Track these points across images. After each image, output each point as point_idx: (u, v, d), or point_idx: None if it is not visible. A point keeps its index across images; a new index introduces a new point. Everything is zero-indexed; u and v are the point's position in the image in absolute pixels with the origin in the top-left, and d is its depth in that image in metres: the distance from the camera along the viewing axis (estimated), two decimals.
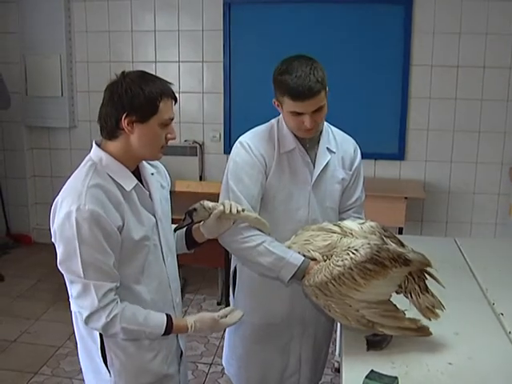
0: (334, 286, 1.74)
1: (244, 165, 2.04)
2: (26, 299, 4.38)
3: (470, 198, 4.85)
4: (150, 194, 1.81)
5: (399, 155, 4.85)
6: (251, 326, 2.25)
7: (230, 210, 1.88)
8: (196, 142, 5.06)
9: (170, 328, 1.75)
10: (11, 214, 5.53)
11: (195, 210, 1.90)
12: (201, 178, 5.09)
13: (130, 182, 1.72)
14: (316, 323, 2.29)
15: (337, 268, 1.74)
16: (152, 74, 1.73)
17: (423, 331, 1.84)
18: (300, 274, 1.88)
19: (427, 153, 4.83)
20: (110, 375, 1.80)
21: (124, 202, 1.69)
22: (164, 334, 1.75)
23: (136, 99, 1.63)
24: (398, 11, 4.60)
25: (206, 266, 4.73)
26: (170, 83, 1.73)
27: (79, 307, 1.68)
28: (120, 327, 1.67)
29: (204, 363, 3.54)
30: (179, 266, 2.00)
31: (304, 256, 1.89)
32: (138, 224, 1.72)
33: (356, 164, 2.23)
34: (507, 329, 1.96)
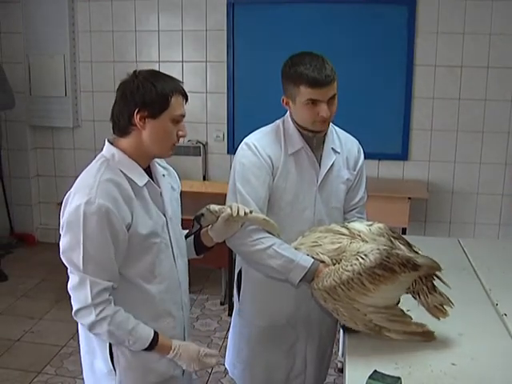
0: (342, 290, 1.75)
1: (251, 166, 2.04)
2: (30, 299, 4.39)
3: (473, 199, 4.85)
4: (160, 193, 1.81)
5: (402, 155, 4.84)
6: (257, 328, 2.24)
7: (238, 213, 1.87)
8: (199, 142, 5.06)
9: (154, 344, 1.74)
10: (15, 213, 5.54)
11: (202, 215, 1.89)
12: (204, 178, 5.08)
13: (142, 178, 1.73)
14: (321, 323, 2.29)
15: (346, 273, 1.74)
16: (163, 73, 1.77)
17: (428, 336, 1.85)
18: (310, 276, 1.87)
19: (431, 153, 4.82)
20: (116, 374, 1.79)
21: (135, 197, 1.70)
22: (146, 349, 1.74)
23: (148, 95, 1.66)
24: (401, 11, 4.60)
25: (210, 266, 4.73)
26: (181, 82, 1.76)
27: (72, 299, 1.69)
28: (107, 329, 1.67)
29: None
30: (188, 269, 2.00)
31: (313, 258, 1.89)
32: (146, 219, 1.73)
33: (360, 164, 2.24)
34: (510, 329, 1.96)
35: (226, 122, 5.03)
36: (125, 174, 1.70)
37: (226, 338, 3.39)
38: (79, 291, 1.66)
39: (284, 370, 2.29)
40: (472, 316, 2.06)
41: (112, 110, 1.73)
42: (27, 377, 3.34)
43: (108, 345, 1.77)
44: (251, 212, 1.91)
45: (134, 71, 1.73)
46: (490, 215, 4.85)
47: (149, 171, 1.81)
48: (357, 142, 2.28)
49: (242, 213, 1.87)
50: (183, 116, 1.74)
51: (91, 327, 1.68)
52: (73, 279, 1.67)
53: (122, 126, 1.71)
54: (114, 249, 1.65)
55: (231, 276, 3.85)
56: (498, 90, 4.60)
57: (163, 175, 1.88)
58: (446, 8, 4.54)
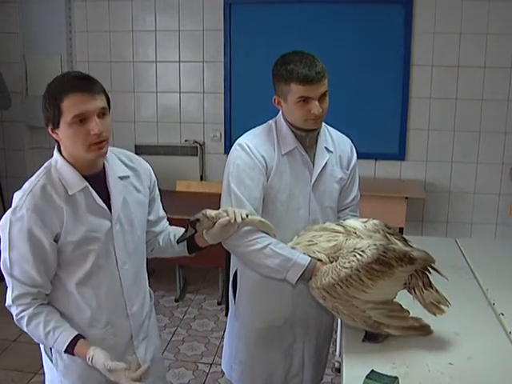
0: (341, 287, 1.75)
1: (245, 167, 2.03)
2: None
3: (470, 198, 4.85)
4: (109, 198, 1.77)
5: (400, 155, 4.85)
6: (254, 329, 2.24)
7: (235, 219, 1.85)
8: (196, 142, 5.05)
9: (71, 350, 1.71)
10: None
11: (198, 220, 1.86)
12: (201, 178, 5.09)
13: (75, 186, 1.70)
14: (318, 323, 2.29)
15: (344, 270, 1.75)
16: (70, 73, 1.69)
17: (425, 329, 1.86)
18: (307, 274, 1.87)
19: (428, 153, 4.82)
20: (57, 371, 1.84)
21: (66, 206, 1.68)
22: (66, 352, 1.72)
23: (45, 108, 1.65)
24: (398, 11, 4.60)
25: (207, 265, 4.73)
26: (92, 78, 1.67)
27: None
28: (26, 330, 1.72)
29: (204, 363, 3.54)
30: (147, 270, 1.98)
31: (310, 257, 1.89)
32: (76, 227, 1.70)
33: (353, 163, 2.25)
34: (507, 329, 1.96)
35: (223, 121, 5.03)
36: (61, 182, 1.71)
37: (223, 338, 3.38)
38: (8, 289, 1.72)
39: (282, 371, 2.29)
40: (469, 315, 2.06)
41: None
42: (24, 377, 3.33)
43: (49, 348, 1.82)
44: (247, 216, 1.89)
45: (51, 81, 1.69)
46: (486, 215, 4.85)
47: (104, 174, 1.78)
48: (349, 141, 2.28)
49: (238, 219, 1.85)
50: (84, 114, 1.61)
51: (17, 323, 1.74)
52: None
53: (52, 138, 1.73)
54: (39, 259, 1.66)
55: (228, 276, 3.85)
56: (494, 89, 4.61)
57: (127, 176, 1.84)
58: (443, 8, 4.55)
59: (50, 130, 1.69)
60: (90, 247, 1.73)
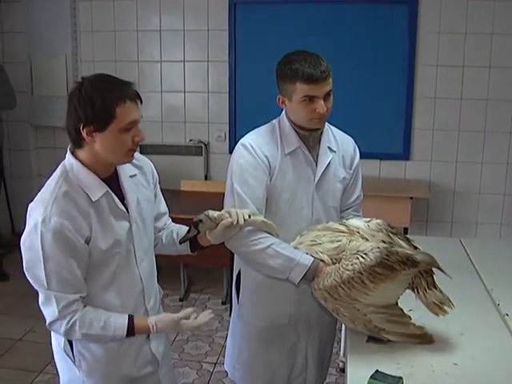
0: (343, 289, 1.74)
1: (248, 166, 2.03)
2: (31, 298, 4.35)
3: (475, 198, 4.84)
4: (124, 199, 1.78)
5: (404, 155, 4.84)
6: (257, 329, 2.24)
7: (238, 221, 1.86)
8: (201, 142, 5.06)
9: (132, 329, 1.74)
10: (17, 213, 5.53)
11: (201, 221, 1.87)
12: (206, 178, 5.10)
13: (97, 192, 1.70)
14: (321, 322, 2.28)
15: (346, 272, 1.74)
16: (111, 77, 1.69)
17: (426, 338, 1.85)
18: (310, 274, 1.87)
19: (432, 153, 4.82)
20: (80, 372, 1.83)
21: (91, 211, 1.68)
22: (128, 336, 1.74)
23: (90, 109, 1.59)
24: (403, 11, 4.60)
25: (211, 265, 4.73)
26: (132, 83, 1.68)
27: (44, 313, 1.71)
28: (80, 333, 1.69)
29: (208, 362, 3.54)
30: (156, 268, 1.99)
31: (312, 257, 1.89)
32: (105, 233, 1.71)
33: (356, 163, 2.24)
34: None
35: (227, 121, 5.04)
36: (81, 188, 1.68)
37: (227, 337, 3.39)
38: (47, 306, 1.68)
39: (285, 370, 2.29)
40: (473, 316, 2.05)
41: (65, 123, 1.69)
42: (28, 376, 3.34)
43: (70, 349, 1.82)
44: (250, 216, 1.90)
45: (82, 78, 1.67)
46: (491, 215, 4.84)
47: (116, 175, 1.79)
48: (352, 140, 2.27)
49: (241, 221, 1.86)
50: (135, 122, 1.66)
51: (67, 336, 1.74)
52: (40, 295, 1.70)
53: (73, 139, 1.67)
54: (75, 263, 1.65)
55: (232, 276, 3.84)
56: (499, 89, 4.60)
57: (132, 176, 1.85)
58: (448, 8, 4.54)
59: (84, 131, 1.61)
60: (116, 250, 1.74)
